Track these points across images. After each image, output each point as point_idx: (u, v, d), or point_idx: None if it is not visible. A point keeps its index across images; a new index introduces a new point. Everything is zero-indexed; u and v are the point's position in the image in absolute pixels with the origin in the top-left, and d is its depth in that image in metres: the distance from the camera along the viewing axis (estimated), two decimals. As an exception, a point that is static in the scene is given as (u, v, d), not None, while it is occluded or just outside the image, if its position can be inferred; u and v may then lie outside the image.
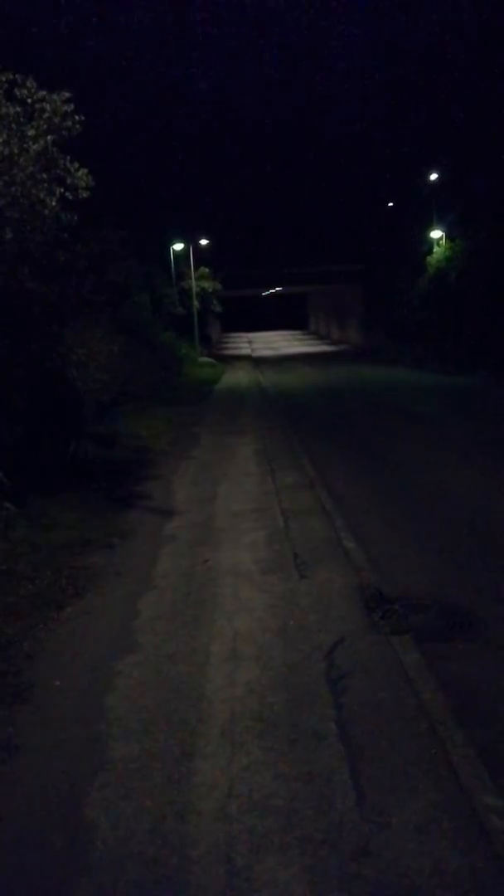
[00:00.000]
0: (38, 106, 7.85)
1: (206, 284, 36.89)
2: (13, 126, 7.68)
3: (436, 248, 30.79)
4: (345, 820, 2.96)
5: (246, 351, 47.50)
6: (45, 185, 7.80)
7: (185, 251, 33.83)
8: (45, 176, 7.81)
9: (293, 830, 2.92)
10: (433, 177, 31.65)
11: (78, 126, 8.08)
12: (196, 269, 35.08)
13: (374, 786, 3.16)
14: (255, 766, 3.34)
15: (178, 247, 33.18)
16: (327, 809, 3.03)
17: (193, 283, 34.41)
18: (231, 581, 5.75)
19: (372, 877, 2.67)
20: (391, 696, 3.86)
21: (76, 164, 8.15)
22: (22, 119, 7.80)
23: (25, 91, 7.81)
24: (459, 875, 2.65)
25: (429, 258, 31.06)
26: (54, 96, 7.90)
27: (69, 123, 7.99)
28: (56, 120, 7.88)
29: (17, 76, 7.81)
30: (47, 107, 7.84)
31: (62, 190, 8.04)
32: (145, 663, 4.39)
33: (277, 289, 58.21)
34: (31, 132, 7.78)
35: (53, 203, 7.89)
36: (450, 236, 29.93)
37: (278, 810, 3.04)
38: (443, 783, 3.15)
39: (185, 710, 3.83)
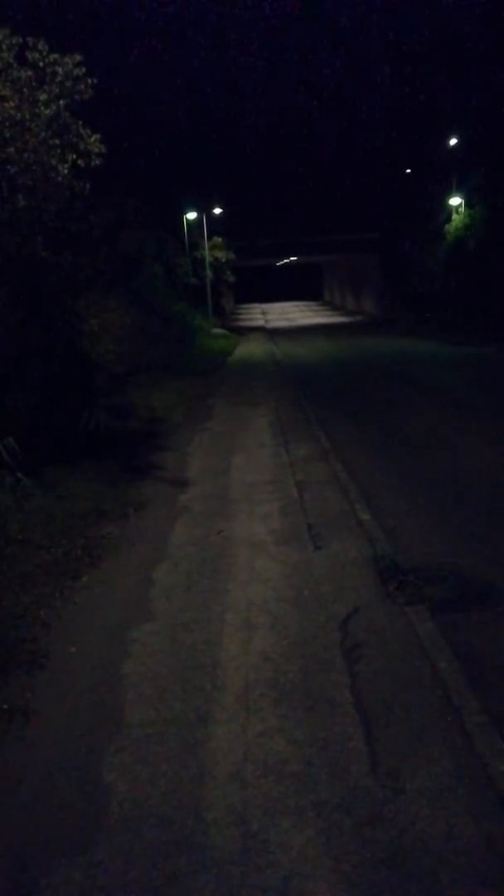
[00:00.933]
0: (49, 70, 7.70)
1: (220, 254, 36.50)
2: (25, 90, 7.55)
3: (454, 216, 30.17)
4: (359, 785, 2.98)
5: (260, 322, 47.11)
6: (58, 150, 7.70)
7: (199, 220, 33.40)
8: (57, 142, 7.70)
9: (308, 795, 2.95)
10: (452, 142, 30.87)
11: (90, 90, 7.93)
12: (209, 238, 34.68)
13: (389, 752, 3.18)
14: (270, 732, 3.37)
15: (192, 216, 32.75)
16: (342, 775, 3.05)
17: (207, 252, 34.05)
18: (245, 551, 5.76)
19: (386, 841, 2.69)
20: (406, 665, 3.86)
21: (88, 130, 8.01)
22: (34, 83, 7.66)
23: (37, 54, 7.65)
24: (474, 841, 2.66)
25: (447, 226, 30.45)
26: (66, 59, 7.73)
27: (81, 87, 7.84)
28: (68, 84, 7.74)
29: (28, 39, 7.65)
30: (59, 70, 7.69)
31: (74, 156, 7.92)
32: (160, 631, 4.43)
33: (292, 258, 57.46)
34: (42, 97, 7.64)
35: (66, 170, 7.78)
36: (469, 203, 29.28)
37: (293, 775, 3.07)
38: (457, 750, 3.16)
39: (201, 678, 3.86)
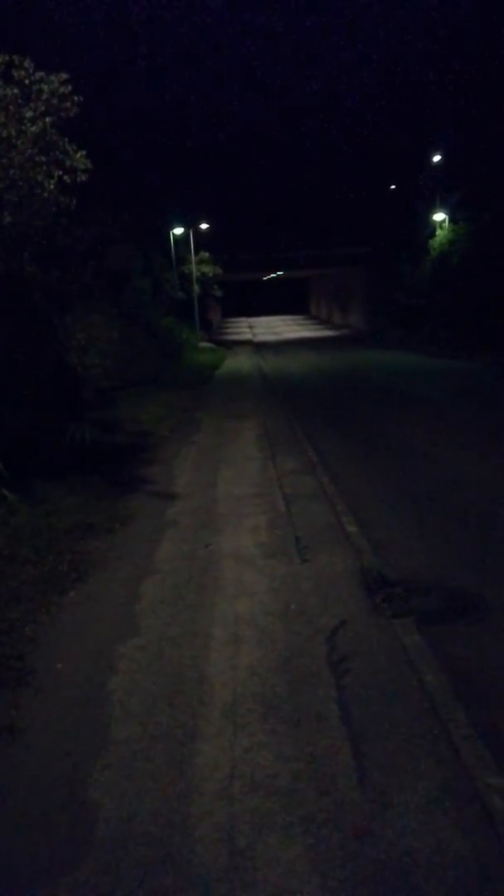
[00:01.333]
0: (35, 87, 7.76)
1: (207, 269, 36.68)
2: (10, 108, 7.59)
3: (438, 231, 30.56)
4: (347, 800, 2.97)
5: (247, 336, 47.30)
6: (44, 167, 7.73)
7: (185, 235, 33.61)
8: (43, 158, 7.74)
9: (295, 810, 2.93)
10: (436, 159, 31.34)
11: (76, 108, 7.99)
12: (196, 253, 34.87)
13: (376, 766, 3.17)
14: (258, 747, 3.35)
15: (178, 231, 32.94)
16: (329, 790, 3.04)
17: (194, 267, 34.22)
18: (233, 565, 5.75)
19: (374, 856, 2.68)
20: (393, 678, 3.87)
21: (74, 147, 8.06)
22: (20, 101, 7.71)
23: (23, 72, 7.71)
24: (462, 855, 2.66)
25: (431, 241, 30.83)
26: (52, 77, 7.80)
27: (67, 105, 7.90)
28: (54, 101, 7.80)
29: (14, 57, 7.71)
30: (45, 88, 7.75)
31: (61, 173, 7.96)
32: (147, 647, 4.40)
33: (278, 273, 57.87)
34: (28, 114, 7.69)
35: (52, 186, 7.82)
36: (453, 219, 29.69)
37: (281, 790, 3.05)
38: (445, 764, 3.16)
39: (188, 693, 3.85)
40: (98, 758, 3.33)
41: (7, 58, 7.68)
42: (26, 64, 7.69)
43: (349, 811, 2.91)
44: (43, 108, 7.71)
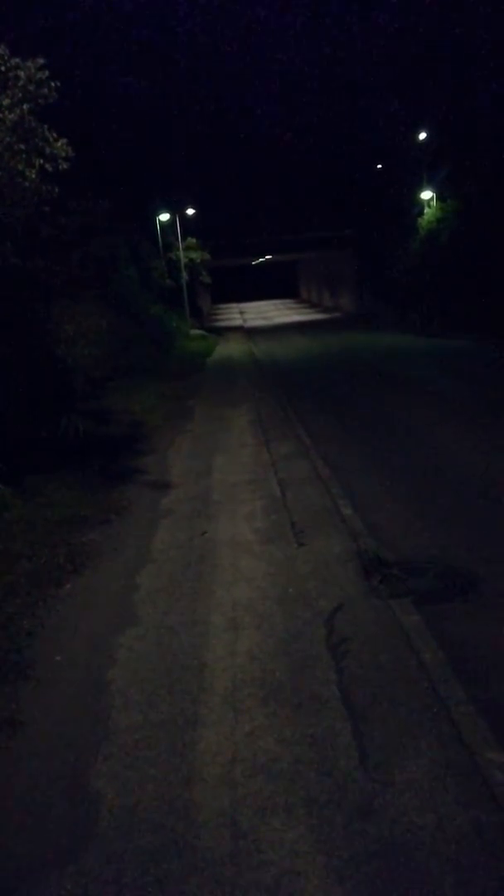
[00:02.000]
0: (11, 74, 7.62)
1: (195, 255, 36.39)
2: (-13, 95, 7.47)
3: (426, 209, 30.37)
4: (348, 780, 2.99)
5: (238, 322, 47.09)
6: (24, 156, 7.61)
7: (172, 221, 33.26)
8: (22, 147, 7.61)
9: (297, 792, 2.95)
10: (422, 136, 31.07)
11: (54, 94, 7.85)
12: (183, 239, 34.56)
13: (377, 746, 3.19)
14: (259, 731, 3.37)
15: (165, 217, 32.59)
16: (331, 771, 3.06)
17: (182, 253, 33.94)
18: (229, 552, 5.75)
19: (377, 834, 2.70)
20: (392, 658, 3.88)
21: (55, 134, 7.93)
22: (-4, 88, 7.59)
23: (-2, 59, 7.57)
24: (464, 830, 2.68)
25: (420, 219, 30.65)
26: (28, 63, 7.66)
27: (45, 91, 7.76)
28: (31, 88, 7.65)
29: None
30: (21, 74, 7.61)
31: (41, 161, 7.84)
32: (146, 636, 4.41)
33: (267, 257, 57.49)
34: (5, 101, 7.56)
35: (33, 175, 7.70)
36: (440, 197, 29.50)
37: (282, 773, 3.07)
38: (445, 741, 3.18)
39: (188, 680, 3.85)
40: (100, 748, 3.34)
41: None
42: (0, 50, 7.55)
43: (351, 791, 2.93)
44: (20, 95, 7.57)
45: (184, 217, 35.02)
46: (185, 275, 33.56)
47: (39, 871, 2.66)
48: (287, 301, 70.67)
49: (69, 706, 3.72)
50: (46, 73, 7.69)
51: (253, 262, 62.48)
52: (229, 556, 5.66)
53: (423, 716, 3.37)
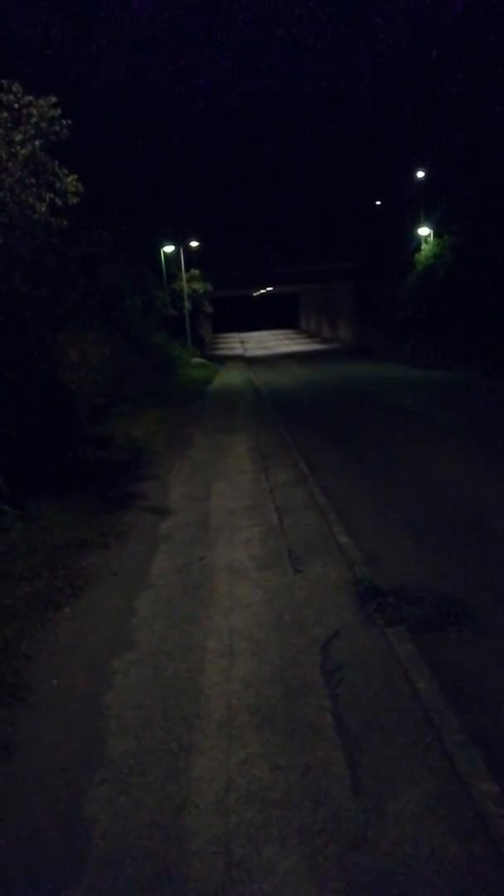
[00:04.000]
0: (25, 111, 7.86)
1: (197, 286, 36.91)
2: (0, 131, 7.69)
3: (424, 245, 30.91)
4: (342, 810, 2.99)
5: (238, 351, 47.52)
6: (34, 189, 7.82)
7: (176, 253, 33.85)
8: (33, 181, 7.82)
9: (291, 821, 2.95)
10: (420, 174, 31.77)
11: (66, 130, 8.09)
12: (187, 270, 35.09)
13: (371, 775, 3.19)
14: (253, 758, 3.37)
15: (169, 249, 33.17)
16: (325, 800, 3.06)
17: (185, 284, 34.43)
18: (226, 578, 5.77)
19: (370, 865, 2.70)
20: (386, 687, 3.89)
21: (65, 170, 8.16)
22: (9, 124, 7.81)
23: (12, 96, 7.82)
24: (457, 862, 2.68)
25: (417, 255, 31.17)
26: (41, 101, 7.91)
27: (57, 128, 8.00)
28: (43, 125, 7.89)
29: (3, 81, 7.82)
30: (34, 111, 7.85)
31: (51, 195, 8.05)
32: (143, 661, 4.41)
33: (268, 289, 58.25)
34: (18, 137, 7.79)
35: (43, 208, 7.90)
36: (437, 233, 30.05)
37: (276, 802, 3.07)
38: (439, 771, 3.18)
39: (183, 706, 3.86)
40: (94, 773, 3.34)
41: None
42: (14, 88, 7.80)
43: (344, 821, 2.93)
44: (32, 132, 7.81)
45: (187, 248, 35.61)
46: (187, 304, 33.99)
47: (31, 897, 2.65)
48: (287, 331, 71.39)
49: (64, 730, 3.72)
50: (59, 110, 7.94)
51: (254, 293, 63.29)
52: (226, 581, 5.69)
53: (416, 745, 3.38)
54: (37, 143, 7.80)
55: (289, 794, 3.11)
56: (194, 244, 37.49)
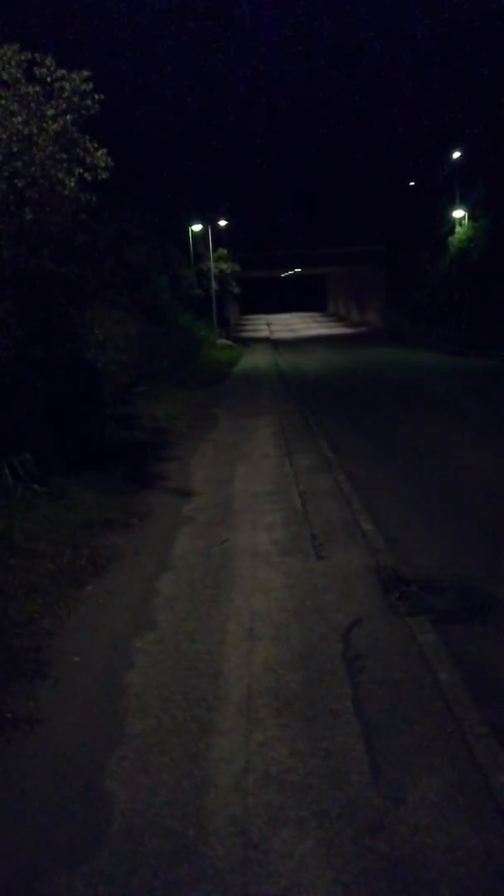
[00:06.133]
0: (57, 85, 7.80)
1: (225, 266, 36.70)
2: (32, 106, 7.65)
3: (458, 228, 30.32)
4: (360, 796, 2.99)
5: (264, 333, 47.26)
6: (65, 165, 7.78)
7: (204, 232, 33.61)
8: (64, 156, 7.78)
9: (309, 805, 2.96)
10: (455, 155, 31.05)
11: (97, 105, 8.02)
12: (214, 250, 34.88)
13: (390, 763, 3.19)
14: (272, 742, 3.38)
15: (197, 228, 32.95)
16: (343, 785, 3.06)
17: (212, 264, 34.24)
18: (248, 562, 5.78)
19: (387, 851, 2.70)
20: (407, 676, 3.88)
21: (95, 144, 8.10)
22: (41, 98, 7.77)
23: (45, 70, 7.76)
24: (475, 852, 2.67)
25: (451, 238, 30.60)
26: (73, 75, 7.84)
27: (88, 103, 7.93)
28: (75, 99, 7.83)
29: (36, 55, 7.77)
30: (66, 86, 7.78)
31: (81, 170, 8.01)
32: (164, 641, 4.45)
33: (296, 270, 57.70)
34: (50, 112, 7.74)
35: (72, 183, 7.87)
36: (472, 216, 29.43)
37: (294, 785, 3.08)
38: (458, 761, 3.17)
39: (203, 687, 3.88)
40: (114, 750, 3.38)
41: (29, 56, 7.73)
42: (48, 62, 7.74)
43: (362, 807, 2.93)
44: (64, 106, 7.75)
45: (216, 228, 35.35)
46: (214, 285, 33.84)
47: (51, 870, 2.70)
48: (314, 314, 70.75)
49: (86, 707, 3.77)
50: (91, 84, 7.87)
51: (282, 275, 62.73)
52: (248, 565, 5.70)
53: (436, 735, 3.36)
54: (68, 117, 7.74)
55: (307, 779, 3.12)
56: (223, 223, 37.19)
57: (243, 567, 5.67)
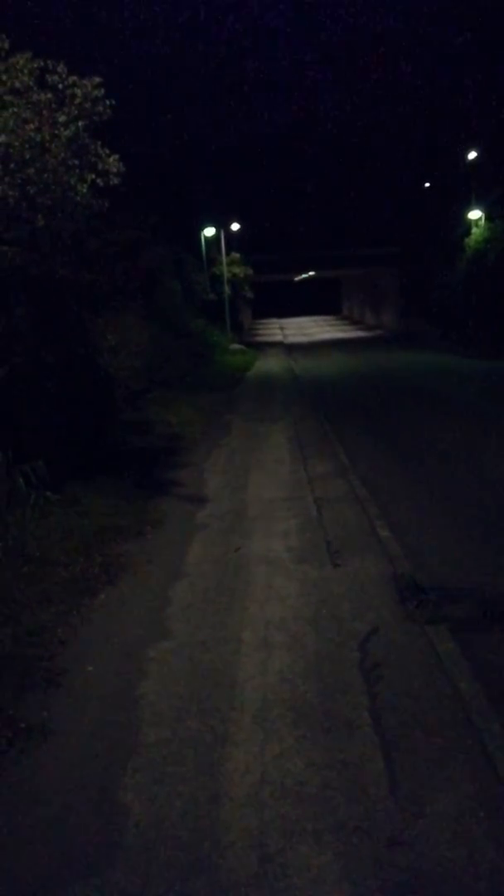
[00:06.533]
0: (69, 92, 7.84)
1: (238, 270, 36.71)
2: (44, 112, 7.69)
3: (474, 230, 30.10)
4: (378, 808, 2.93)
5: (278, 337, 47.21)
6: (77, 171, 7.81)
7: (216, 236, 33.66)
8: (76, 162, 7.81)
9: (326, 818, 2.90)
10: (471, 156, 30.86)
11: (109, 111, 8.05)
12: (227, 254, 34.92)
13: (408, 775, 3.12)
14: (288, 753, 3.33)
15: (209, 232, 33.01)
16: (360, 797, 3.00)
17: (225, 268, 34.28)
18: (263, 569, 5.73)
19: (405, 865, 2.64)
20: (426, 686, 3.81)
21: (107, 150, 8.13)
22: (53, 105, 7.81)
23: (56, 77, 7.81)
24: (495, 866, 2.60)
25: (467, 240, 30.38)
26: (85, 81, 7.87)
27: (100, 109, 7.96)
28: (87, 105, 7.86)
29: (48, 62, 7.81)
30: (78, 92, 7.82)
31: (93, 176, 8.04)
32: (177, 650, 4.41)
33: (310, 273, 57.64)
34: (62, 118, 7.77)
35: (85, 189, 7.90)
36: (489, 217, 29.23)
37: (311, 797, 3.03)
38: (478, 774, 3.10)
39: (218, 698, 3.84)
40: (129, 761, 3.34)
41: (41, 63, 7.78)
42: (60, 69, 7.78)
43: (380, 820, 2.87)
44: (76, 112, 7.79)
45: (228, 232, 35.39)
46: (227, 289, 33.86)
47: (64, 881, 2.67)
48: (328, 318, 70.55)
49: (99, 717, 3.74)
50: (102, 91, 7.90)
51: (295, 279, 62.71)
52: (263, 573, 5.65)
53: (456, 747, 3.29)
54: (80, 123, 7.77)
55: (324, 791, 3.06)
56: (235, 227, 37.23)
57: (258, 575, 5.62)
